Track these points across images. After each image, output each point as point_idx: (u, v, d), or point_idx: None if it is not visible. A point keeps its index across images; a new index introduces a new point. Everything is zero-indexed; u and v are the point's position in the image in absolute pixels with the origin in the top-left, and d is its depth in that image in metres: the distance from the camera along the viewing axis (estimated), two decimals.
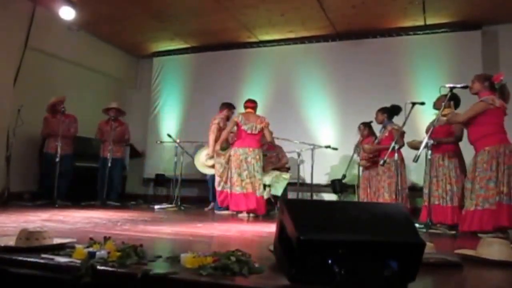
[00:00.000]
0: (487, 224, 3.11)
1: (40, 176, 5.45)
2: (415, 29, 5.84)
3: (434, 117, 3.88)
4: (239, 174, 4.43)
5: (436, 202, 3.76)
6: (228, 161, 4.59)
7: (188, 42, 6.91)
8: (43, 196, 5.02)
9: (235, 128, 4.71)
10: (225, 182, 4.58)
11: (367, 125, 4.93)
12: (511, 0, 4.90)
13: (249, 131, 4.54)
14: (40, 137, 5.51)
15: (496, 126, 3.25)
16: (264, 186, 4.67)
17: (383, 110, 4.70)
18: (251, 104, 4.76)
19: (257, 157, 4.52)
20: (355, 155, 4.96)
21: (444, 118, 3.51)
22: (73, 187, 5.41)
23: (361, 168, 4.85)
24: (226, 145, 4.85)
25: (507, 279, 1.63)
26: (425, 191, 3.80)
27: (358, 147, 4.90)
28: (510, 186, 3.14)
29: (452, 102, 3.53)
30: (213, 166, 4.84)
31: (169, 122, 7.11)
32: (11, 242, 1.69)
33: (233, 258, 1.43)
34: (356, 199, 4.99)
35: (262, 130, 4.59)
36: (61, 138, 4.98)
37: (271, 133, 4.81)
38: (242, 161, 4.44)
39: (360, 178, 4.83)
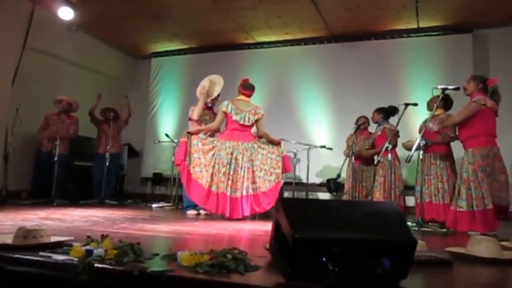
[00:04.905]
0: (478, 224, 3.17)
1: (33, 175, 5.44)
2: (408, 32, 5.92)
3: (426, 117, 3.95)
4: (218, 170, 3.78)
5: (427, 200, 3.81)
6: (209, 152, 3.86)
7: (187, 43, 6.93)
8: (37, 195, 5.02)
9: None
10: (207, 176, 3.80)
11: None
12: (501, 6, 5.02)
13: (241, 122, 3.90)
14: (38, 136, 5.52)
15: (485, 127, 3.31)
16: None
17: (379, 110, 4.76)
18: (249, 92, 4.04)
19: (245, 151, 3.84)
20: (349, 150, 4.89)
21: (435, 127, 3.60)
22: (71, 186, 5.42)
23: (348, 160, 4.81)
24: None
25: (495, 275, 1.66)
26: (417, 189, 3.86)
27: (352, 141, 4.85)
28: (493, 188, 3.22)
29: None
30: None
31: (167, 122, 7.13)
32: (9, 240, 1.69)
33: (229, 256, 1.44)
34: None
35: (256, 122, 3.96)
36: (60, 137, 5.01)
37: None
38: (228, 156, 3.80)
39: (349, 170, 4.82)
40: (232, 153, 3.82)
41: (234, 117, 3.89)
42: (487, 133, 3.32)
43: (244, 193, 3.78)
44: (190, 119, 4.44)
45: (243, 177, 3.80)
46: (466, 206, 3.26)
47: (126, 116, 5.84)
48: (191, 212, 4.23)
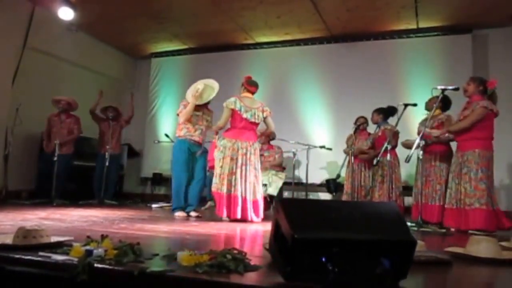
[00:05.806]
0: (480, 222, 3.18)
1: (38, 175, 5.45)
2: (407, 32, 5.93)
3: (425, 116, 3.96)
4: (232, 172, 3.63)
5: (424, 201, 3.81)
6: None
7: (186, 43, 6.94)
8: (40, 195, 5.02)
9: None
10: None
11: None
12: (500, 6, 5.03)
13: (252, 119, 3.71)
14: (38, 136, 5.53)
15: (487, 129, 3.36)
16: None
17: (379, 110, 4.77)
18: (254, 88, 3.86)
19: (255, 151, 3.73)
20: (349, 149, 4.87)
21: (434, 132, 3.59)
22: (71, 186, 5.43)
23: (348, 161, 4.81)
24: None
25: (494, 275, 1.66)
26: (416, 190, 3.87)
27: (352, 141, 4.84)
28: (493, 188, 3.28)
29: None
30: None
31: (166, 122, 7.14)
32: (9, 240, 1.69)
33: (228, 256, 1.45)
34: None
35: (265, 119, 3.81)
36: (60, 137, 5.02)
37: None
38: (242, 156, 3.63)
39: (348, 171, 4.82)
40: (245, 154, 3.66)
41: (244, 115, 3.70)
42: (488, 136, 3.38)
43: (263, 194, 3.77)
44: (178, 114, 4.22)
45: (257, 177, 3.72)
46: (468, 204, 3.28)
47: (128, 116, 5.83)
48: (178, 214, 4.03)
